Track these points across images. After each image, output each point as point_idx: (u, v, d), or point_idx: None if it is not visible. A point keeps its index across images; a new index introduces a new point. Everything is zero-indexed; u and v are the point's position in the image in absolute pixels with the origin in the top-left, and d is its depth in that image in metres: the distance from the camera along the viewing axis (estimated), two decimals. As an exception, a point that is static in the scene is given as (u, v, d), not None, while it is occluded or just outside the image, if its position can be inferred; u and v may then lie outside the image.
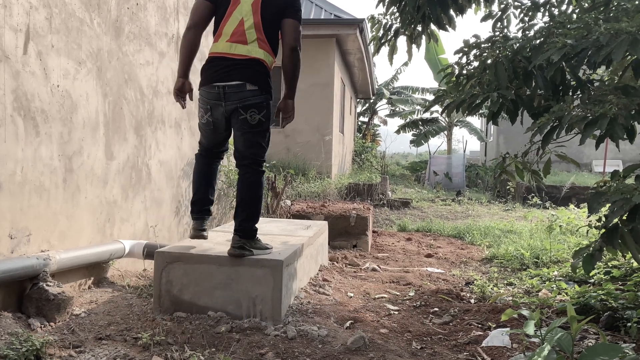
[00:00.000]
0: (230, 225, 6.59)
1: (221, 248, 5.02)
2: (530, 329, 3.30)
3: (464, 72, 5.06)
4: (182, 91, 4.89)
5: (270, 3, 4.68)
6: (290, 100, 4.92)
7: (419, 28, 5.94)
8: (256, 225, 4.91)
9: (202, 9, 4.83)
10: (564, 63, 4.21)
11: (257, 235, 4.97)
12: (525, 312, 3.55)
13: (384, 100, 34.87)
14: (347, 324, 4.77)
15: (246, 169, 4.85)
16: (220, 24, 4.79)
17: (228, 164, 8.72)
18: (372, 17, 6.22)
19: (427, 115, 31.81)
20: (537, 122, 4.00)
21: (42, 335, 3.88)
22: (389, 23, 6.14)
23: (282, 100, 4.95)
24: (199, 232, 5.01)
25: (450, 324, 5.05)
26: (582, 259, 3.99)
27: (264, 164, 4.94)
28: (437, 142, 34.65)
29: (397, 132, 33.12)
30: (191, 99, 5.01)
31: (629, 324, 4.55)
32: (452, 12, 5.72)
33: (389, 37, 6.12)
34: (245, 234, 4.80)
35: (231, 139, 5.12)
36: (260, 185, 4.86)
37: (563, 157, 4.56)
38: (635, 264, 6.09)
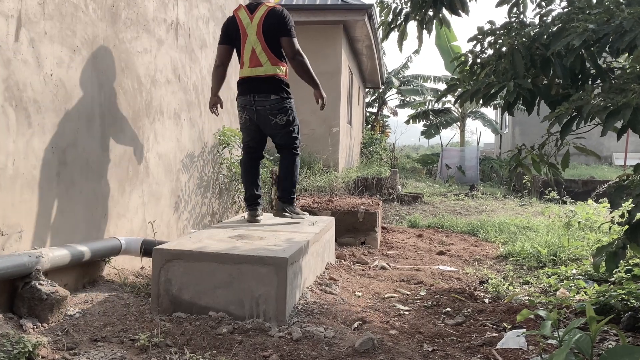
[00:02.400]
0: (232, 222, 6.60)
1: (223, 245, 5.02)
2: (547, 330, 3.28)
3: (478, 60, 5.03)
4: (215, 105, 6.97)
5: (268, 30, 6.39)
6: (317, 91, 6.74)
7: (431, 13, 5.91)
8: (294, 195, 6.88)
9: (224, 52, 6.75)
10: (583, 50, 4.18)
11: (294, 207, 6.96)
12: (542, 313, 3.53)
13: (394, 90, 34.84)
14: (355, 324, 4.76)
15: (285, 153, 6.78)
16: (240, 55, 6.58)
17: (230, 156, 8.73)
18: (381, 1, 6.18)
19: (439, 105, 31.78)
20: (556, 111, 3.97)
21: (34, 337, 3.87)
22: (399, 7, 6.10)
23: (314, 93, 6.75)
24: (254, 218, 6.76)
25: (464, 324, 5.04)
26: (605, 257, 3.97)
27: (299, 145, 6.84)
28: (449, 134, 34.69)
29: (408, 123, 33.11)
30: (222, 107, 7.07)
31: (651, 325, 4.53)
32: (465, -4, 5.68)
33: (399, 22, 6.09)
34: (286, 200, 6.84)
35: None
36: (295, 164, 6.79)
37: (582, 150, 4.53)
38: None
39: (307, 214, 7.26)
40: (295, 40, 6.46)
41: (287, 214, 6.80)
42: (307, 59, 6.52)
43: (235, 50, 6.70)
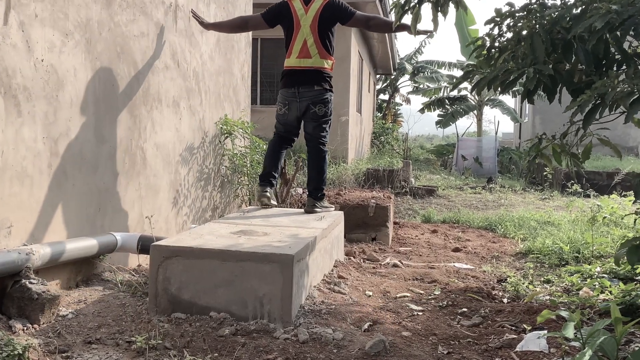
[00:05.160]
0: (234, 217, 6.59)
1: (225, 241, 5.01)
2: (569, 331, 3.27)
3: (496, 44, 5.00)
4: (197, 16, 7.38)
5: (322, 23, 6.85)
6: (408, 30, 6.51)
7: (446, -6, 5.88)
8: (324, 191, 7.34)
9: (257, 22, 7.29)
10: (607, 34, 4.16)
11: (323, 200, 7.36)
12: (564, 313, 3.52)
13: (407, 77, 34.84)
14: (366, 326, 4.76)
15: (314, 148, 7.19)
16: (290, 44, 7.01)
17: (232, 147, 8.71)
18: (393, -18, 6.16)
19: (454, 93, 31.73)
20: (578, 99, 3.95)
21: (24, 339, 3.87)
22: (413, -12, 6.07)
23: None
24: (262, 193, 7.18)
25: (481, 326, 5.03)
26: (627, 250, 3.96)
27: (326, 143, 7.24)
28: (465, 123, 34.68)
29: (421, 111, 33.06)
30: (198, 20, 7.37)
31: (681, 327, 4.51)
32: (482, -24, 5.66)
33: (413, 4, 6.06)
34: (317, 197, 7.22)
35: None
36: (324, 160, 7.22)
37: (606, 143, 4.51)
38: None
39: (333, 207, 7.68)
40: (360, 12, 7.13)
41: (318, 209, 7.18)
42: (381, 16, 7.09)
43: (285, 38, 7.12)
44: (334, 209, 7.61)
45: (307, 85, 6.94)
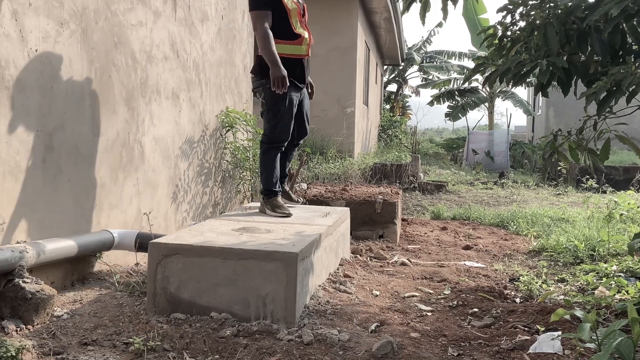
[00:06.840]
0: (236, 214, 6.61)
1: (226, 239, 5.01)
2: (584, 332, 3.26)
3: (508, 33, 4.99)
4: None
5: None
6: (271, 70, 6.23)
7: (456, -18, 5.87)
8: (273, 191, 6.57)
9: None
10: (624, 23, 4.14)
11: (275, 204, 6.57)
12: (579, 313, 3.51)
13: (415, 67, 34.82)
14: (372, 327, 4.75)
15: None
16: None
17: (234, 141, 8.70)
18: (402, -30, 6.14)
19: (465, 84, 31.70)
20: (594, 86, 3.94)
21: (17, 340, 3.85)
22: (421, -24, 6.06)
23: None
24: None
25: (492, 326, 5.02)
26: (641, 240, 3.95)
27: (274, 138, 6.52)
28: (476, 116, 34.65)
29: (431, 104, 33.07)
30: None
31: (701, 328, 4.49)
32: (494, -37, 5.65)
33: (421, -8, 6.05)
34: (264, 197, 6.60)
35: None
36: (264, 156, 6.61)
37: (625, 141, 4.49)
38: None
39: (288, 214, 6.49)
40: (257, 12, 6.36)
41: (267, 212, 6.55)
42: (264, 35, 6.21)
43: None
44: (287, 217, 6.42)
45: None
